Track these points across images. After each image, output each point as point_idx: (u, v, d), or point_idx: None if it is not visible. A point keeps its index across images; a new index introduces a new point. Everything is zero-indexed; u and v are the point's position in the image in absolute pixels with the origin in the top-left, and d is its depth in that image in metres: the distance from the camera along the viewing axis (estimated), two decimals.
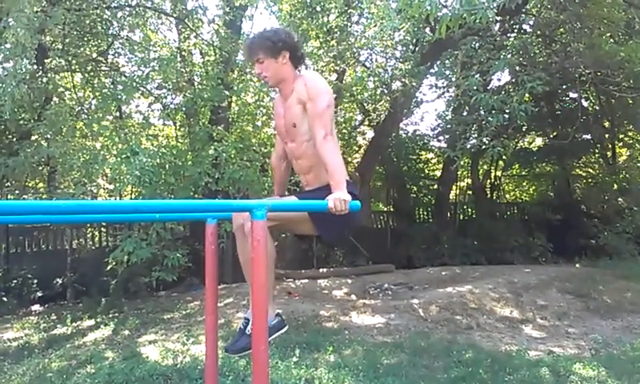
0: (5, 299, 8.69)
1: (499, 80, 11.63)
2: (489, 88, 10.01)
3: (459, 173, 14.60)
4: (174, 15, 9.92)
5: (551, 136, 14.71)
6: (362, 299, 8.33)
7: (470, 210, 15.91)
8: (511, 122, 9.21)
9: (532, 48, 10.25)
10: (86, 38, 9.63)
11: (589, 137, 14.41)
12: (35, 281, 9.26)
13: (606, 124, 14.36)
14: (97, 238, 10.96)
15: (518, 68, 9.44)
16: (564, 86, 12.72)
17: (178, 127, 10.68)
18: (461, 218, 15.34)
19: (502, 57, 8.27)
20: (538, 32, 10.70)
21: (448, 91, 12.86)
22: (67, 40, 8.91)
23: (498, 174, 15.93)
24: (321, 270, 10.94)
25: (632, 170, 14.36)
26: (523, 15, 10.53)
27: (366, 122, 13.96)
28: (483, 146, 9.10)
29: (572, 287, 8.38)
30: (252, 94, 10.11)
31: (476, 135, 9.44)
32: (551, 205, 14.80)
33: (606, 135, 14.48)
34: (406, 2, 5.78)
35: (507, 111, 8.19)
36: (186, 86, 9.45)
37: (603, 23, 9.37)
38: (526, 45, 9.54)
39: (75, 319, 7.50)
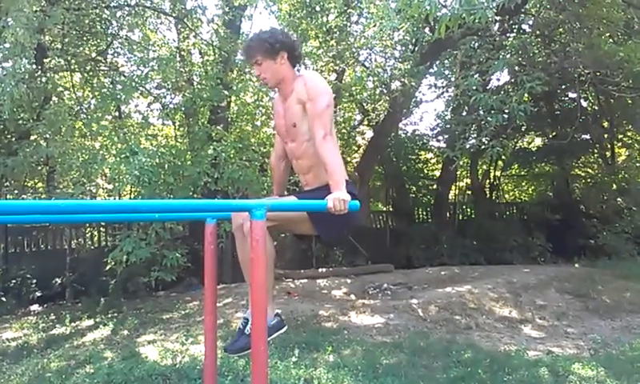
0: (4, 299, 8.68)
1: (498, 80, 11.66)
2: (488, 88, 9.99)
3: (458, 173, 14.61)
4: (173, 15, 9.92)
5: (550, 136, 14.72)
6: (361, 299, 8.33)
7: (469, 209, 15.92)
8: (510, 122, 9.21)
9: (531, 48, 10.25)
10: (85, 38, 9.63)
11: (588, 137, 14.42)
12: (34, 281, 9.24)
13: (605, 124, 14.36)
14: (96, 238, 10.96)
15: (517, 68, 9.45)
16: (563, 86, 12.73)
17: (177, 127, 10.67)
18: (460, 217, 15.34)
19: (501, 57, 8.27)
20: (538, 32, 10.70)
21: (447, 91, 12.88)
22: (66, 39, 8.91)
23: (497, 173, 15.94)
24: (320, 269, 10.94)
25: (631, 170, 14.37)
26: (522, 15, 10.52)
27: (365, 122, 13.97)
28: (482, 146, 9.10)
29: (571, 287, 8.38)
30: (251, 94, 10.12)
31: (475, 135, 9.45)
32: (550, 205, 14.81)
33: (605, 135, 14.49)
34: (406, 2, 5.78)
35: (506, 111, 8.19)
36: (185, 86, 9.45)
37: (602, 23, 9.37)
38: (525, 45, 9.54)
39: (74, 319, 7.49)
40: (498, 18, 8.15)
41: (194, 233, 9.54)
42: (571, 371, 4.92)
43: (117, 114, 10.15)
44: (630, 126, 14.24)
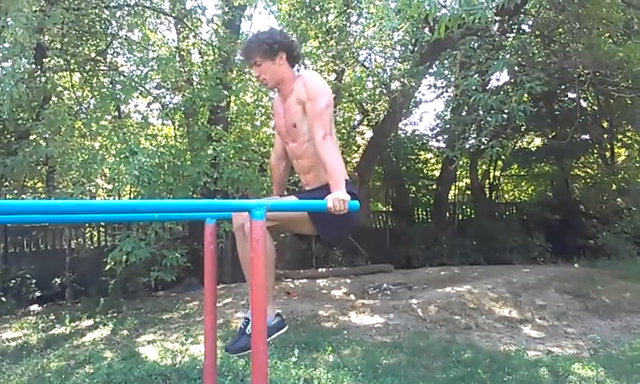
0: (3, 299, 8.67)
1: (498, 80, 11.65)
2: (487, 88, 9.99)
3: (458, 173, 14.60)
4: (173, 15, 9.92)
5: (550, 136, 14.72)
6: (361, 299, 8.33)
7: (468, 209, 15.92)
8: (510, 122, 9.21)
9: (531, 48, 10.25)
10: (84, 38, 9.62)
11: (587, 137, 14.42)
12: (34, 281, 9.24)
13: (605, 124, 14.36)
14: (95, 238, 10.95)
15: (516, 68, 9.45)
16: (563, 86, 12.74)
17: (176, 127, 10.67)
18: (460, 217, 15.34)
19: (500, 57, 8.28)
20: (537, 32, 10.71)
21: (447, 91, 12.88)
22: (66, 39, 8.90)
23: (497, 173, 15.94)
24: (320, 269, 10.94)
25: (630, 170, 14.38)
26: (522, 15, 10.52)
27: (365, 122, 13.97)
28: (482, 146, 9.10)
29: (571, 287, 8.39)
30: (251, 94, 10.12)
31: (475, 135, 9.45)
32: (550, 205, 14.81)
33: (605, 135, 14.48)
34: (405, 2, 5.78)
35: (506, 111, 8.19)
36: (185, 86, 9.45)
37: (602, 23, 9.37)
38: (524, 45, 9.55)
39: (74, 319, 7.49)
40: (497, 18, 8.16)
41: (193, 233, 9.54)
42: (571, 371, 4.93)
43: (116, 113, 10.15)
44: (630, 126, 14.24)
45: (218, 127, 8.62)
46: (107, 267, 8.28)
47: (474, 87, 7.91)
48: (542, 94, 9.36)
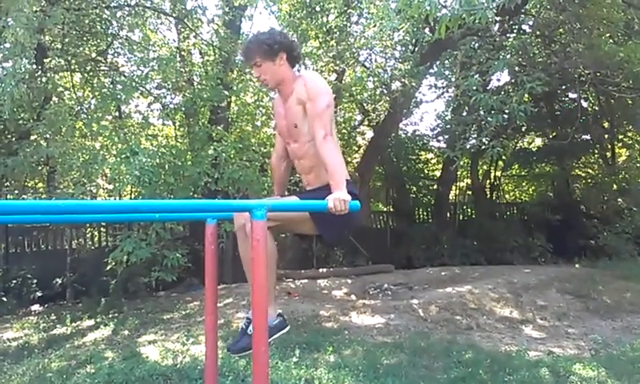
0: (4, 299, 8.68)
1: (498, 80, 11.66)
2: (488, 88, 10.00)
3: (459, 173, 14.61)
4: (174, 15, 9.92)
5: (551, 136, 14.72)
6: (362, 299, 8.33)
7: (469, 210, 15.91)
8: (511, 123, 9.21)
9: (531, 48, 10.25)
10: (85, 38, 9.62)
11: (588, 137, 14.41)
12: (35, 281, 9.25)
13: (606, 124, 14.36)
14: (96, 238, 10.96)
15: (517, 68, 9.45)
16: (563, 87, 12.73)
17: (177, 127, 10.67)
18: (460, 218, 15.34)
19: (501, 57, 8.28)
20: (538, 32, 10.70)
21: (447, 91, 12.88)
22: (66, 40, 8.90)
23: (498, 174, 15.93)
24: (320, 270, 10.94)
25: (631, 171, 14.37)
26: (523, 15, 10.54)
27: (366, 122, 13.97)
28: (483, 146, 9.10)
29: (571, 287, 8.38)
30: (251, 94, 10.12)
31: (475, 135, 9.45)
32: (551, 205, 14.80)
33: (606, 135, 14.48)
34: (406, 3, 5.78)
35: (507, 111, 8.19)
36: (186, 86, 9.45)
37: (602, 24, 9.37)
38: (525, 45, 9.55)
39: (75, 319, 7.49)
40: (498, 18, 8.15)
41: (194, 233, 9.55)
42: (572, 372, 4.92)
43: (117, 114, 10.15)
44: (631, 127, 14.24)
45: (218, 127, 8.62)
46: (108, 267, 8.28)
47: (474, 87, 7.91)
48: (542, 94, 9.37)
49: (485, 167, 15.55)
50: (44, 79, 8.18)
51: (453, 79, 10.80)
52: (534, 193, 17.13)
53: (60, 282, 9.60)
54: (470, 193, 16.14)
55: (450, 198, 15.10)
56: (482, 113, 8.72)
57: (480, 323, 6.85)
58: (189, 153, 8.45)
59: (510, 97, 8.42)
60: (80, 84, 10.18)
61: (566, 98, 14.01)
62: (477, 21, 5.14)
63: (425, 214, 15.20)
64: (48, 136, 8.51)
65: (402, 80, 10.07)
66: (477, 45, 9.38)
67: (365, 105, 12.69)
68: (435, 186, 15.00)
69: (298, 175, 3.03)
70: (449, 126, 12.03)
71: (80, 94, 10.00)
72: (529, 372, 4.89)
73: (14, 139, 8.75)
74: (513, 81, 10.16)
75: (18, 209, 1.97)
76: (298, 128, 2.70)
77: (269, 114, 10.33)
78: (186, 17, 9.59)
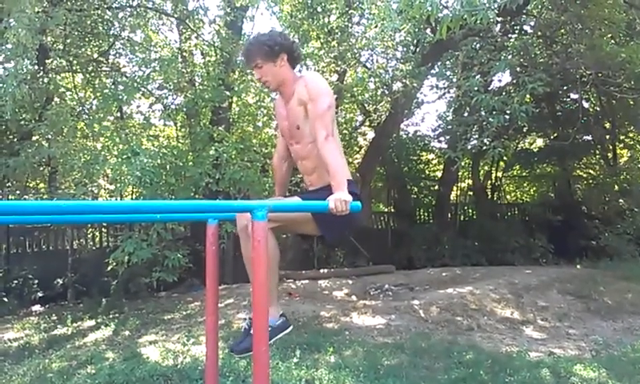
0: (5, 299, 8.69)
1: (500, 81, 11.65)
2: (489, 89, 10.01)
3: (460, 174, 14.59)
4: (175, 16, 9.94)
5: (552, 137, 14.70)
6: (363, 300, 8.33)
7: (470, 210, 15.91)
8: (512, 123, 9.19)
9: (533, 49, 10.25)
10: (87, 39, 9.65)
11: (589, 138, 14.39)
12: (36, 281, 9.26)
13: (607, 125, 14.35)
14: (97, 239, 10.97)
15: (518, 69, 9.45)
16: (565, 87, 12.72)
17: (178, 128, 10.68)
18: (461, 218, 15.34)
19: (502, 58, 8.27)
20: (539, 33, 10.70)
21: (449, 92, 12.89)
22: (68, 40, 8.92)
23: (499, 174, 15.93)
24: (321, 270, 10.94)
25: (633, 171, 14.35)
26: (524, 16, 10.53)
27: (367, 123, 13.97)
28: (484, 147, 9.10)
29: (573, 288, 8.37)
30: (253, 95, 10.13)
31: (477, 136, 9.44)
32: (552, 206, 14.78)
33: (607, 136, 14.46)
34: (407, 3, 5.78)
35: (508, 112, 8.18)
36: (187, 87, 9.46)
37: (604, 24, 9.36)
38: (526, 46, 9.55)
39: (76, 320, 7.50)
40: (499, 18, 8.14)
41: (195, 233, 9.56)
42: (573, 372, 4.91)
43: (118, 114, 10.17)
44: (632, 127, 14.23)
45: (220, 128, 8.63)
46: (109, 268, 8.28)
47: (476, 88, 7.90)
48: (544, 94, 9.36)
49: (486, 168, 15.55)
50: (46, 80, 8.20)
51: (454, 80, 10.80)
52: (535, 193, 17.11)
53: (61, 282, 9.62)
54: (471, 193, 16.13)
55: (451, 198, 15.09)
56: (483, 113, 8.72)
57: (481, 324, 6.84)
58: (190, 153, 8.46)
59: (512, 97, 8.41)
60: (82, 85, 10.20)
61: (568, 99, 14.00)
62: (478, 21, 5.15)
63: (426, 214, 15.20)
64: (49, 136, 8.53)
65: (404, 80, 10.07)
66: (478, 45, 9.37)
67: (366, 105, 12.69)
68: (436, 187, 15.00)
69: (299, 175, 3.03)
70: (450, 127, 12.02)
71: (82, 94, 10.03)
72: (530, 373, 4.88)
73: (15, 140, 8.77)
74: (514, 81, 10.15)
75: (19, 209, 1.97)
76: (300, 129, 2.70)
77: (270, 114, 10.34)
78: (187, 18, 9.60)
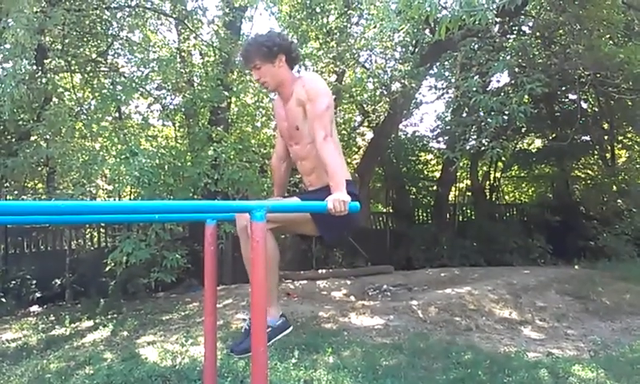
0: (3, 300, 8.67)
1: (498, 81, 11.66)
2: (488, 89, 10.01)
3: (458, 174, 14.61)
4: (174, 16, 9.93)
5: (550, 137, 14.71)
6: (361, 300, 8.33)
7: (469, 211, 15.92)
8: (510, 124, 9.21)
9: (531, 49, 10.25)
10: (85, 39, 9.63)
11: (588, 138, 14.42)
12: (34, 281, 9.24)
13: (605, 126, 14.37)
14: (96, 239, 10.95)
15: (517, 69, 9.45)
16: (563, 88, 12.74)
17: (177, 128, 10.68)
18: (460, 219, 15.35)
19: (501, 58, 8.28)
20: (538, 33, 10.71)
21: (447, 92, 12.88)
22: (67, 40, 8.91)
23: (497, 175, 15.94)
24: (320, 271, 10.94)
25: (631, 172, 14.37)
26: (523, 17, 10.54)
27: (366, 123, 13.99)
28: (482, 148, 9.10)
29: (571, 289, 8.38)
30: (251, 95, 10.13)
31: (475, 136, 9.45)
32: (550, 206, 14.80)
33: (605, 137, 14.49)
34: (406, 4, 5.78)
35: (506, 113, 8.19)
36: (186, 87, 9.45)
37: (602, 25, 9.37)
38: (525, 46, 9.55)
39: (74, 320, 7.49)
40: (498, 19, 8.15)
41: (193, 234, 9.55)
42: (571, 373, 4.92)
43: (117, 114, 10.16)
44: (630, 128, 14.25)
45: (218, 128, 8.62)
46: (107, 268, 8.27)
47: (474, 88, 7.91)
48: (542, 95, 9.37)
49: (484, 168, 15.57)
50: (44, 80, 8.19)
51: (453, 80, 10.80)
52: (534, 194, 17.13)
53: (59, 282, 9.60)
54: (469, 194, 16.15)
55: (450, 199, 15.11)
56: (481, 114, 8.73)
57: (479, 324, 6.85)
58: (188, 154, 8.45)
59: (510, 98, 8.41)
60: (80, 85, 10.18)
61: (566, 100, 14.03)
62: (477, 22, 5.14)
63: (424, 215, 15.21)
64: (48, 137, 8.52)
65: (402, 81, 10.08)
66: (477, 46, 9.38)
67: (365, 106, 12.69)
68: (435, 187, 15.01)
69: (298, 176, 3.03)
70: (448, 127, 12.03)
71: (80, 94, 10.01)
72: (528, 373, 4.89)
73: (13, 140, 8.75)
74: (513, 82, 10.16)
75: (17, 209, 1.97)
76: (300, 130, 2.70)
77: (269, 114, 10.34)
78: (186, 18, 9.60)
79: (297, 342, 5.63)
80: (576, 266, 11.30)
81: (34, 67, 7.61)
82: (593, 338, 6.36)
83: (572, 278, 9.05)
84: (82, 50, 9.53)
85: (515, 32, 11.00)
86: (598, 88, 11.05)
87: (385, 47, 11.26)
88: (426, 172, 15.92)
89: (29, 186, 10.53)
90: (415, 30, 9.48)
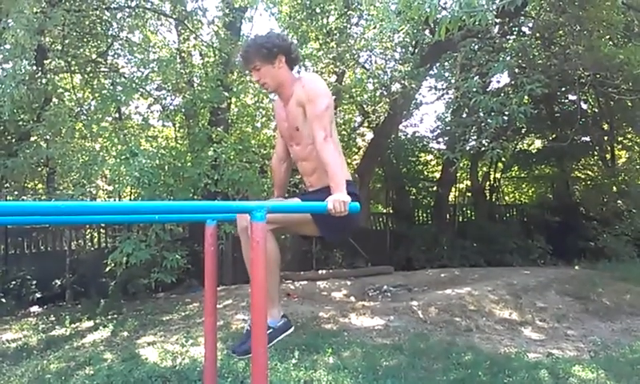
0: (3, 300, 8.67)
1: (498, 82, 11.67)
2: (488, 90, 10.01)
3: (458, 175, 14.61)
4: (174, 16, 9.94)
5: (550, 138, 14.72)
6: (361, 301, 8.33)
7: (469, 211, 15.92)
8: (510, 124, 9.20)
9: (531, 50, 10.25)
10: (85, 39, 9.64)
11: (588, 139, 14.43)
12: (34, 282, 9.23)
13: (605, 126, 14.37)
14: (96, 240, 10.95)
15: (517, 70, 9.46)
16: (563, 89, 12.74)
17: (177, 128, 10.68)
18: (460, 219, 15.35)
19: (501, 59, 8.28)
20: (538, 34, 10.71)
21: (447, 93, 12.88)
22: (67, 41, 8.91)
23: (497, 175, 15.95)
24: (320, 271, 10.94)
25: (631, 173, 14.38)
26: (522, 17, 10.54)
27: (366, 124, 13.99)
28: (482, 148, 9.10)
29: (571, 289, 8.38)
30: (251, 96, 10.13)
31: (475, 137, 9.45)
32: (550, 207, 14.81)
33: (605, 137, 14.49)
34: (406, 4, 5.79)
35: (506, 113, 8.19)
36: (186, 88, 9.45)
37: (602, 26, 9.37)
38: (525, 47, 9.55)
39: (74, 320, 7.49)
40: (498, 20, 8.16)
41: (193, 234, 9.55)
42: (571, 373, 4.92)
43: (117, 115, 10.16)
44: (630, 129, 14.25)
45: (218, 129, 8.62)
46: (107, 269, 8.27)
47: (474, 89, 7.91)
48: (542, 96, 9.37)
49: (484, 169, 15.57)
50: (44, 80, 8.19)
51: (453, 81, 10.81)
52: (534, 194, 17.14)
53: (59, 283, 9.60)
54: (469, 194, 16.16)
55: (450, 199, 15.11)
56: (481, 114, 8.72)
57: (479, 325, 6.85)
58: (189, 154, 8.45)
59: (510, 98, 8.41)
60: (80, 85, 10.19)
61: (566, 100, 14.04)
62: (477, 22, 5.14)
63: (424, 215, 15.21)
64: (48, 137, 8.52)
65: (402, 82, 10.08)
66: (477, 46, 9.37)
67: (365, 106, 12.70)
68: (435, 188, 15.01)
69: (298, 176, 3.03)
70: (448, 128, 12.03)
71: (80, 95, 10.02)
72: (528, 374, 4.89)
73: (13, 140, 8.75)
74: (513, 82, 10.17)
75: (17, 210, 1.97)
76: (300, 130, 2.70)
77: (269, 115, 10.34)
78: (186, 18, 9.60)
79: (297, 342, 5.62)
80: (576, 267, 11.31)
81: (34, 68, 7.62)
82: (593, 338, 6.36)
83: (572, 279, 9.05)
84: (81, 50, 9.53)
85: (515, 33, 11.00)
86: (598, 89, 11.06)
87: (385, 48, 11.26)
88: (426, 172, 15.92)
89: (29, 186, 10.54)
90: (415, 31, 9.48)
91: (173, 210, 2.40)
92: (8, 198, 9.13)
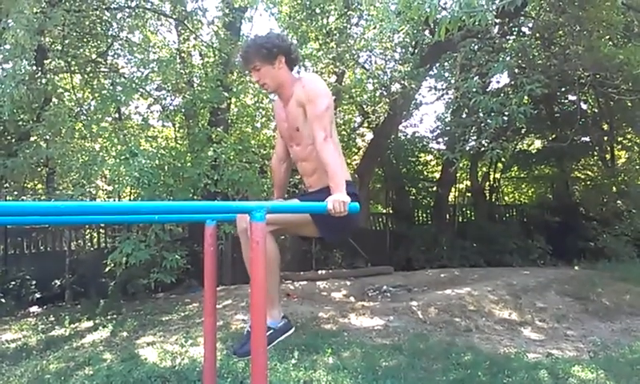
0: (3, 300, 8.67)
1: (498, 82, 11.67)
2: (488, 90, 10.01)
3: (458, 175, 14.61)
4: (174, 17, 9.94)
5: (550, 138, 14.72)
6: (361, 301, 8.33)
7: (468, 212, 15.92)
8: (510, 125, 9.20)
9: (531, 50, 10.25)
10: (85, 39, 9.64)
11: (587, 139, 14.42)
12: (33, 282, 9.24)
13: (605, 126, 14.37)
14: (95, 240, 10.95)
15: (517, 70, 9.45)
16: (563, 89, 12.74)
17: (177, 128, 10.68)
18: (460, 220, 15.35)
19: (501, 59, 8.28)
20: (537, 34, 10.71)
21: (447, 93, 12.89)
22: (67, 41, 8.91)
23: (497, 176, 15.95)
24: (319, 271, 10.94)
25: (631, 173, 14.39)
26: (522, 18, 10.54)
27: (365, 124, 14.00)
28: (482, 148, 9.10)
29: (571, 290, 8.38)
30: (251, 96, 10.13)
31: (475, 137, 9.45)
32: (550, 207, 14.81)
33: (605, 138, 14.49)
34: (406, 4, 5.79)
35: (506, 113, 8.19)
36: (186, 88, 9.46)
37: (602, 26, 9.37)
38: (525, 47, 9.55)
39: (73, 321, 7.49)
40: (497, 20, 8.16)
41: (193, 234, 9.55)
42: (571, 374, 4.92)
43: (117, 115, 10.16)
44: (630, 129, 14.25)
45: (218, 129, 8.62)
46: (107, 269, 8.28)
47: (474, 89, 7.91)
48: (542, 96, 9.37)
49: (484, 169, 15.57)
50: (44, 80, 8.19)
51: (452, 81, 10.81)
52: (534, 195, 17.14)
53: (59, 283, 9.60)
54: (469, 195, 16.16)
55: (450, 199, 15.11)
56: (481, 115, 8.72)
57: (479, 325, 6.85)
58: (188, 154, 8.45)
59: (510, 99, 8.41)
60: (80, 85, 10.19)
61: (566, 100, 14.04)
62: (477, 23, 5.14)
63: (424, 215, 15.21)
64: (48, 137, 8.52)
65: (402, 82, 10.08)
66: (476, 47, 9.37)
67: (364, 106, 12.70)
68: (435, 188, 15.01)
69: (297, 176, 3.03)
70: (448, 128, 12.03)
71: (80, 95, 10.01)
72: (528, 374, 4.89)
73: (13, 140, 8.75)
74: (512, 83, 10.16)
75: (17, 210, 1.97)
76: (300, 131, 2.70)
77: (268, 115, 10.34)
78: (186, 18, 9.61)
79: (296, 342, 5.62)
80: (576, 267, 11.31)
81: (34, 68, 7.62)
82: (592, 338, 6.36)
83: (572, 279, 9.05)
84: (81, 50, 9.53)
85: (515, 33, 11.00)
86: (598, 89, 11.06)
87: (384, 48, 11.27)
88: (425, 173, 15.92)
89: (28, 186, 10.54)
90: (415, 31, 9.49)
91: (172, 211, 2.40)
92: (8, 198, 9.13)
